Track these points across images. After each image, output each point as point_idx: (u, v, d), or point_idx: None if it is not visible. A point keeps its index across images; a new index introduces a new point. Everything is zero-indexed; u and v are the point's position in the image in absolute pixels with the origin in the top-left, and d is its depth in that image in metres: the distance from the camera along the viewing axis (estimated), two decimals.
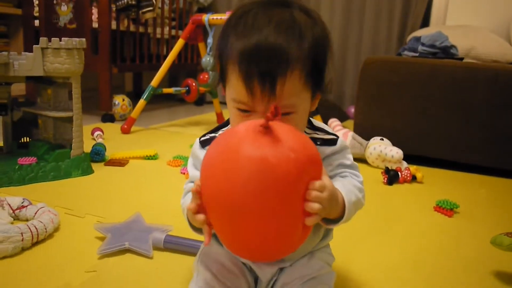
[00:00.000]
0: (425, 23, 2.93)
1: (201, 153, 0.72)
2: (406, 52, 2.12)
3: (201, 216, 0.56)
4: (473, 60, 2.18)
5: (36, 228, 0.97)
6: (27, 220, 1.09)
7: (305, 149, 0.54)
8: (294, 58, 0.60)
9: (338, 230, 0.76)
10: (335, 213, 0.62)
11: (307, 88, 0.63)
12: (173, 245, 0.97)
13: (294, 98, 0.62)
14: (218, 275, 0.70)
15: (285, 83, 0.59)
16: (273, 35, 0.59)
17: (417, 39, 2.11)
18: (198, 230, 0.65)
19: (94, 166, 1.60)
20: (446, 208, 1.32)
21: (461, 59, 2.04)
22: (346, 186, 0.66)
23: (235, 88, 0.63)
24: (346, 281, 0.90)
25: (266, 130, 0.52)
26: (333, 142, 0.71)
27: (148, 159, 1.77)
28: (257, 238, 0.53)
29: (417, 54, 2.06)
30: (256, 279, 0.75)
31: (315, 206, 0.52)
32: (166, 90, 2.47)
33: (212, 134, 0.74)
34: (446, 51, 2.02)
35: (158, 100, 2.53)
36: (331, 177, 0.69)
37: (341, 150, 0.72)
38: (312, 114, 0.87)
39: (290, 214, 0.53)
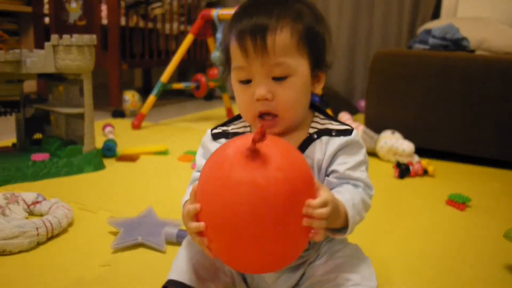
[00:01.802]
0: (436, 15, 2.90)
1: (212, 145, 0.73)
2: (416, 45, 2.10)
3: (194, 224, 0.57)
4: (484, 52, 2.15)
5: (51, 223, 0.98)
6: (41, 215, 1.10)
7: (292, 166, 0.55)
8: (283, 16, 0.63)
9: None
10: (338, 223, 0.63)
11: (301, 52, 0.65)
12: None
13: (288, 58, 0.63)
14: (198, 268, 0.69)
15: (275, 37, 0.62)
16: (264, 5, 0.65)
17: (428, 31, 2.09)
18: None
19: (106, 161, 1.61)
20: (459, 202, 1.31)
21: (473, 51, 2.02)
22: (351, 194, 0.66)
23: (234, 56, 0.66)
24: None
25: (254, 152, 0.53)
26: (348, 132, 0.70)
27: (159, 154, 1.78)
28: (254, 257, 0.55)
29: (428, 47, 2.03)
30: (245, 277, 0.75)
31: (322, 223, 0.55)
32: (176, 86, 2.47)
33: (224, 128, 0.75)
34: (457, 44, 1.99)
35: (168, 96, 2.54)
36: (338, 174, 0.69)
37: (353, 143, 0.70)
38: (323, 107, 0.87)
39: (286, 233, 0.54)
